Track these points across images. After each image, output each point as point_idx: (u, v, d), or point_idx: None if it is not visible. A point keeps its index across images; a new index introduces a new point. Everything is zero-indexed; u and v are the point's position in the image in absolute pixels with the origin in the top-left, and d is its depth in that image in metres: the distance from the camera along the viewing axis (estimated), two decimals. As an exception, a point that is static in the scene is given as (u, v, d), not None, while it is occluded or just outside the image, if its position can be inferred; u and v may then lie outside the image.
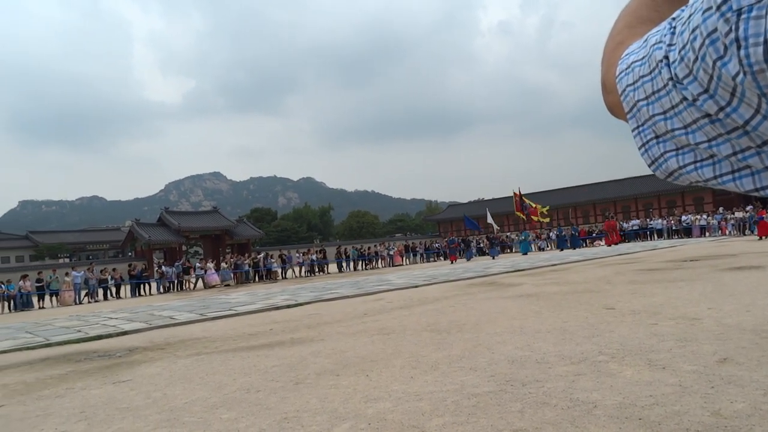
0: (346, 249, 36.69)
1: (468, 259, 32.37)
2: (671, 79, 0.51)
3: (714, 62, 0.45)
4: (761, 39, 0.40)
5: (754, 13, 0.41)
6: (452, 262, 30.78)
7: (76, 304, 24.08)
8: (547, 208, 34.67)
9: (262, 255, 32.23)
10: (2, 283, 23.77)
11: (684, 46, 0.49)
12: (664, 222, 38.43)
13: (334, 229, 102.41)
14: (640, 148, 0.59)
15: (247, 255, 34.93)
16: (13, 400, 5.13)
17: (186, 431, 3.69)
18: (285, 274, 32.29)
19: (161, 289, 28.00)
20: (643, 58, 0.55)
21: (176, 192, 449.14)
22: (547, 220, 35.37)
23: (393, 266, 35.62)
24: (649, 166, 0.59)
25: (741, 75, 0.43)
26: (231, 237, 47.48)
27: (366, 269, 34.77)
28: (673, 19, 0.53)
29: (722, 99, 0.46)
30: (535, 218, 33.37)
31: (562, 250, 32.79)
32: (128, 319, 11.62)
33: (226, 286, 27.77)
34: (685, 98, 0.50)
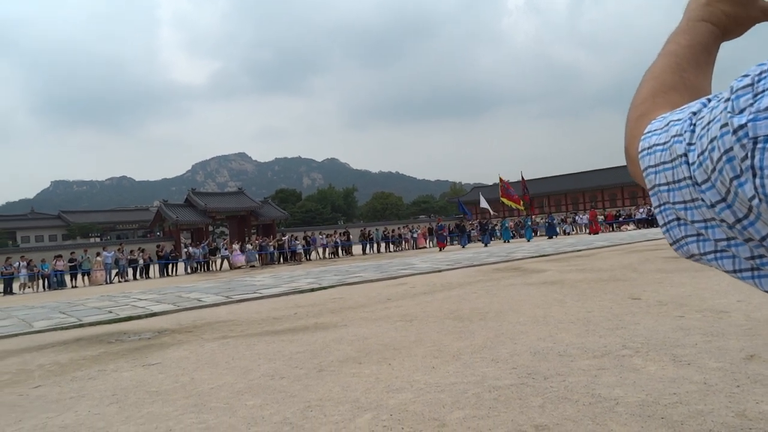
0: (369, 231, 36.80)
1: (463, 246, 31.48)
2: (690, 178, 0.51)
3: (731, 179, 0.45)
4: None
5: None
6: (440, 249, 29.44)
7: (106, 283, 24.69)
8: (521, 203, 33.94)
9: (286, 237, 32.54)
10: (35, 264, 24.48)
11: (703, 152, 0.48)
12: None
13: (358, 210, 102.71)
14: (662, 227, 0.58)
15: (271, 237, 35.29)
16: (49, 381, 5.33)
17: (213, 417, 3.79)
18: (309, 255, 32.59)
19: (188, 270, 28.52)
20: (665, 143, 0.55)
21: (203, 172, 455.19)
22: (522, 208, 34.63)
23: (417, 248, 35.66)
24: (671, 245, 0.59)
25: (756, 200, 0.43)
26: (256, 218, 48.01)
27: (392, 251, 34.83)
28: (694, 114, 0.52)
29: (739, 212, 0.46)
30: (514, 205, 33.07)
31: (550, 237, 32.59)
32: (157, 301, 11.90)
33: (251, 267, 28.16)
34: (703, 200, 0.50)
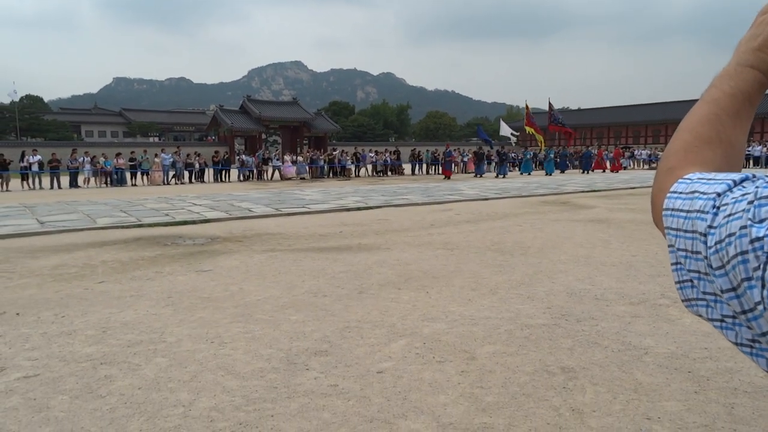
0: (420, 152, 36.55)
1: (478, 175, 29.88)
2: (705, 258, 0.51)
3: (742, 279, 0.46)
4: None
5: None
6: (447, 178, 28.06)
7: (164, 184, 25.73)
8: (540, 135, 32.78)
9: (337, 152, 32.76)
10: (98, 160, 25.63)
11: (721, 241, 0.49)
12: (765, 149, 35.46)
13: (411, 128, 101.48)
14: (676, 283, 0.59)
15: (322, 150, 35.61)
16: (111, 278, 5.77)
17: (258, 328, 4.07)
18: (358, 172, 32.85)
19: (241, 177, 29.31)
20: (688, 212, 0.55)
21: (258, 79, 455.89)
22: (542, 140, 33.41)
23: (465, 173, 35.34)
24: (682, 301, 0.60)
25: (762, 307, 0.45)
26: (309, 129, 48.25)
27: (441, 174, 34.63)
28: (718, 195, 0.52)
29: (746, 304, 0.48)
30: (534, 133, 32.11)
31: (584, 172, 31.68)
32: (210, 207, 12.41)
33: (301, 179, 28.68)
34: (714, 282, 0.51)
